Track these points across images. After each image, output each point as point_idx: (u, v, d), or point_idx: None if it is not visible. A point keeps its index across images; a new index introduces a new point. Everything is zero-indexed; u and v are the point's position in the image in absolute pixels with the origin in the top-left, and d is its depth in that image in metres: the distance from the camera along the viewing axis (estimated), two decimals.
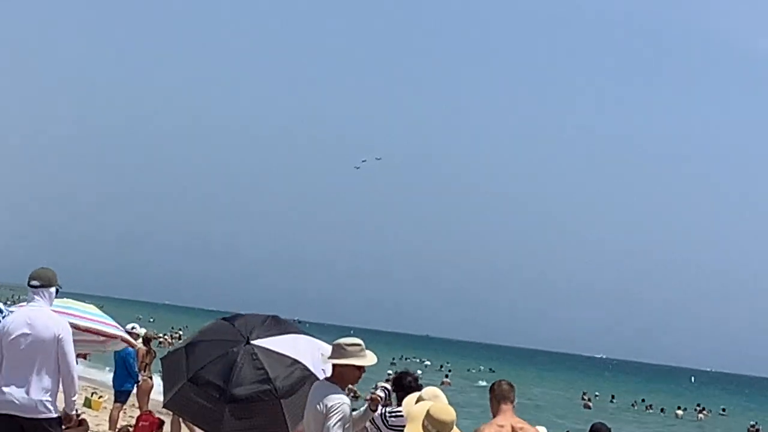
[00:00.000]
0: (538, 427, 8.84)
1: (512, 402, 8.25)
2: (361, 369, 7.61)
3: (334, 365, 7.63)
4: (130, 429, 16.70)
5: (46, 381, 8.31)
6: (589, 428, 11.53)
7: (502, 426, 8.06)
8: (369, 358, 7.58)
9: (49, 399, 8.32)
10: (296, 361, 9.01)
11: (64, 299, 11.13)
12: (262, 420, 8.83)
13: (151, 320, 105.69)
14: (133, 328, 18.90)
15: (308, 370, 8.93)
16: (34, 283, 8.54)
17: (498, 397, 8.26)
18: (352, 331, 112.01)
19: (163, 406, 9.67)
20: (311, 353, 9.13)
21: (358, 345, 7.60)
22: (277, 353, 9.09)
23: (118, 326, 12.50)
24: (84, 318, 11.38)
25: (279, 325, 9.57)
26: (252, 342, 9.17)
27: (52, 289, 8.60)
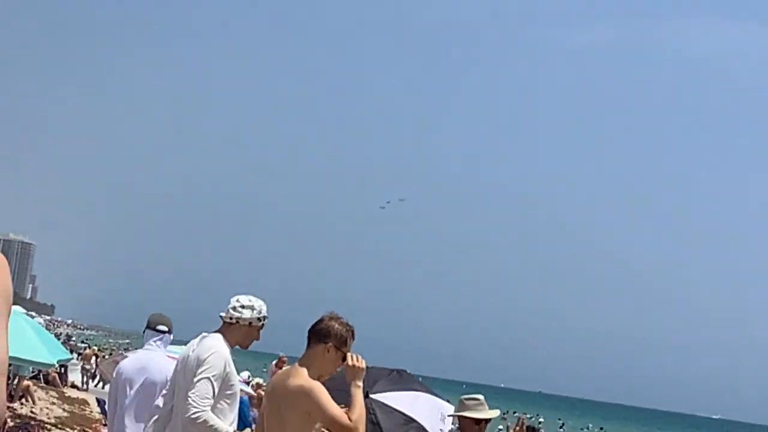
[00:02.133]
0: None
1: None
2: (479, 423, 7.82)
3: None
4: None
5: None
6: None
7: None
8: (487, 413, 7.89)
9: None
10: (411, 420, 8.96)
11: (175, 346, 11.09)
12: None
13: (265, 369, 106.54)
14: (249, 377, 18.86)
15: (423, 430, 8.87)
16: (162, 328, 8.49)
17: None
18: (464, 386, 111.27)
19: None
20: (430, 413, 9.07)
21: (476, 400, 7.95)
22: (394, 409, 9.01)
23: None
24: None
25: (402, 381, 9.51)
26: (371, 396, 9.00)
27: (170, 336, 8.61)
